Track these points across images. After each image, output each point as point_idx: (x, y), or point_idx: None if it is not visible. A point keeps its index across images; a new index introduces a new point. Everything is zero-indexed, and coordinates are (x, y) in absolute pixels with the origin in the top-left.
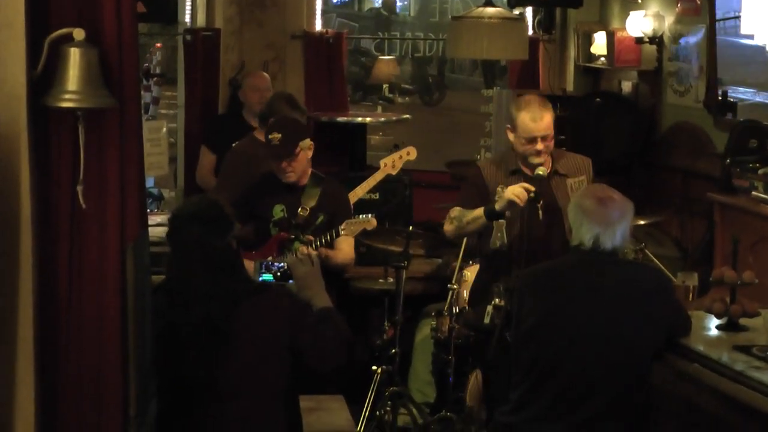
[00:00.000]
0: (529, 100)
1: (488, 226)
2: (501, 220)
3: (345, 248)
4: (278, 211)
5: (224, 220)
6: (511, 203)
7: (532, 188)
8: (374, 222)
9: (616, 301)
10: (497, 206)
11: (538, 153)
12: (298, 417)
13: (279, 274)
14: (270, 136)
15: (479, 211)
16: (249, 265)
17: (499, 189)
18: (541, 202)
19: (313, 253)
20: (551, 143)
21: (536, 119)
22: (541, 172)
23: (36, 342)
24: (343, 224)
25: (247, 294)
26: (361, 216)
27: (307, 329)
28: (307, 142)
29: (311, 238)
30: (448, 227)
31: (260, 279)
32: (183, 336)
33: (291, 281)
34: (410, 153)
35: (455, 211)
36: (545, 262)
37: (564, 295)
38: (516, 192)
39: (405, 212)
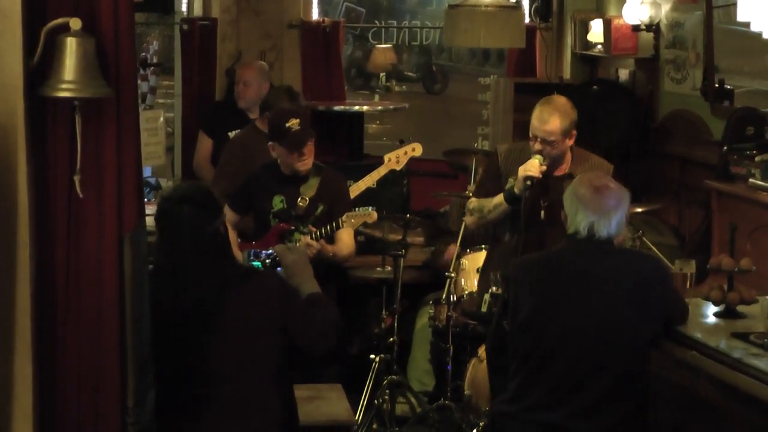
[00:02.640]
0: (548, 100)
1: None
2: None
3: (345, 239)
4: (278, 202)
5: (213, 205)
6: (525, 179)
7: (541, 157)
8: (375, 215)
9: (612, 289)
10: (516, 189)
11: (538, 152)
12: (293, 399)
13: (268, 261)
14: (288, 124)
15: (499, 198)
16: (238, 253)
17: (520, 170)
18: (546, 203)
19: (315, 245)
20: (555, 150)
21: (542, 120)
22: (537, 161)
23: (34, 332)
24: (344, 216)
25: (236, 278)
26: (361, 209)
27: (296, 312)
28: (312, 131)
29: (313, 229)
30: (469, 219)
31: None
32: (173, 321)
33: (279, 269)
34: (416, 149)
35: (473, 202)
36: (541, 251)
37: (560, 284)
38: (526, 167)
39: (403, 201)
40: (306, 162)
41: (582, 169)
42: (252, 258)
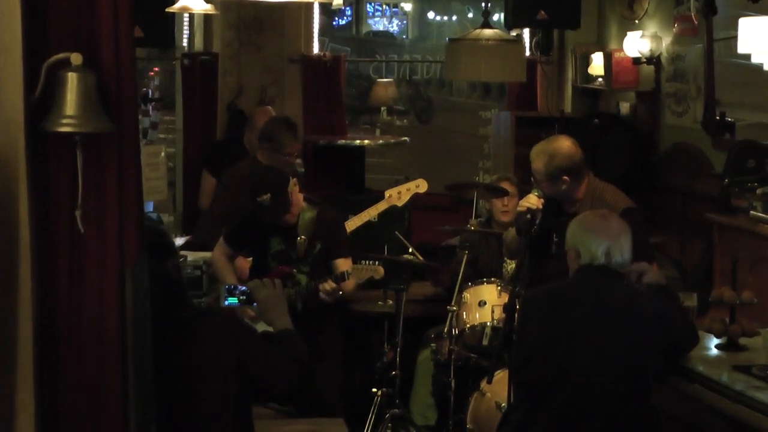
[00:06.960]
0: (548, 139)
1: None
2: None
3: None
4: (275, 244)
5: (164, 247)
6: (520, 214)
7: (536, 193)
8: (381, 271)
9: (616, 321)
10: (519, 221)
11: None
12: None
13: (243, 297)
14: (259, 199)
15: (513, 229)
16: (234, 280)
17: (519, 203)
18: (558, 239)
19: (334, 286)
20: (546, 190)
21: (531, 156)
22: (535, 195)
23: (36, 366)
24: (350, 268)
25: (190, 320)
26: (368, 262)
27: (254, 351)
28: (292, 183)
29: (330, 281)
30: (505, 244)
31: (226, 303)
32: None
33: (255, 304)
34: (420, 186)
35: (507, 230)
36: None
37: (565, 316)
38: (522, 201)
39: (404, 234)
40: (290, 219)
41: (600, 206)
42: (227, 294)
